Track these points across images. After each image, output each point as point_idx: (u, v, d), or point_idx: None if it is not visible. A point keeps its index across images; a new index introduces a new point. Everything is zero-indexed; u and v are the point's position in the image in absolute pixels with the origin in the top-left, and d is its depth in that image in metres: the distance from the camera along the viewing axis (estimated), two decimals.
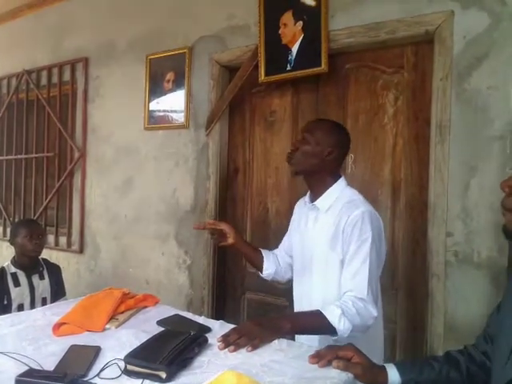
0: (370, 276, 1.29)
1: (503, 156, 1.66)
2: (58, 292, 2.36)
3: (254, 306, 2.48)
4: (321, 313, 1.23)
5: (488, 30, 1.71)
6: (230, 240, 1.55)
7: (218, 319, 1.38)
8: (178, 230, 2.65)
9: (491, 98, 1.70)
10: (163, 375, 0.92)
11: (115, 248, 2.96)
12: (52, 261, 2.53)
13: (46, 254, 2.57)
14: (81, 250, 3.14)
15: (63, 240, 3.26)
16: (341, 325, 1.21)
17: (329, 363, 1.00)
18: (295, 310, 1.54)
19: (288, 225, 1.69)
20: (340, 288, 1.33)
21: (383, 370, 1.00)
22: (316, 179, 1.43)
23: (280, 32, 2.16)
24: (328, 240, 1.37)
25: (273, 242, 2.39)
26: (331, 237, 1.36)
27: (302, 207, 1.56)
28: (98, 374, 0.97)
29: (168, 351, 0.99)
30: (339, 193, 1.41)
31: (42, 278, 2.31)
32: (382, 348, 1.48)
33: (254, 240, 2.47)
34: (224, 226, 1.56)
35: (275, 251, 1.69)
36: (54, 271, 2.41)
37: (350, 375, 0.98)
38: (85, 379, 0.95)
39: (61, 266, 2.51)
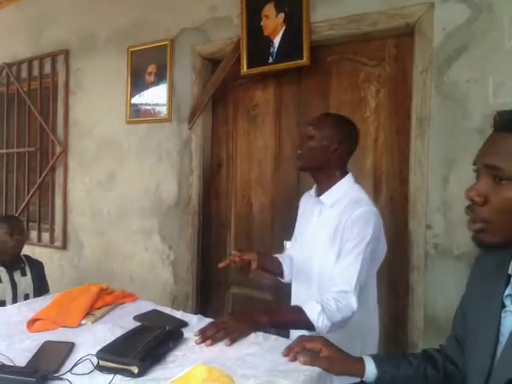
0: (360, 272, 1.29)
1: None
2: (40, 288, 2.32)
3: (238, 301, 2.48)
4: (301, 308, 1.23)
5: (467, 22, 1.71)
6: (254, 265, 1.40)
7: (202, 315, 1.36)
8: (162, 225, 2.63)
9: (470, 90, 1.70)
10: (135, 370, 0.92)
11: (98, 244, 2.93)
12: (35, 257, 2.49)
13: (28, 250, 2.54)
14: (64, 246, 3.10)
15: (46, 236, 3.22)
16: (319, 322, 1.20)
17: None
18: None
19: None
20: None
21: (359, 361, 0.99)
22: (322, 174, 1.41)
23: (262, 24, 2.14)
24: (329, 234, 1.36)
25: (256, 236, 2.40)
26: (333, 231, 1.35)
27: (308, 200, 1.53)
28: (70, 370, 0.96)
29: (141, 346, 0.98)
30: (346, 189, 1.39)
31: (23, 274, 2.28)
32: (376, 344, 1.47)
33: (237, 234, 2.47)
34: (249, 256, 1.41)
35: (288, 252, 1.63)
36: (36, 267, 2.38)
37: None
38: (56, 375, 0.94)
39: (43, 262, 2.48)
